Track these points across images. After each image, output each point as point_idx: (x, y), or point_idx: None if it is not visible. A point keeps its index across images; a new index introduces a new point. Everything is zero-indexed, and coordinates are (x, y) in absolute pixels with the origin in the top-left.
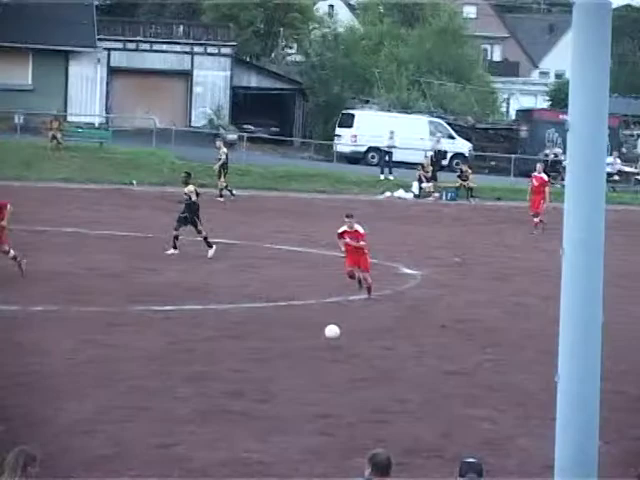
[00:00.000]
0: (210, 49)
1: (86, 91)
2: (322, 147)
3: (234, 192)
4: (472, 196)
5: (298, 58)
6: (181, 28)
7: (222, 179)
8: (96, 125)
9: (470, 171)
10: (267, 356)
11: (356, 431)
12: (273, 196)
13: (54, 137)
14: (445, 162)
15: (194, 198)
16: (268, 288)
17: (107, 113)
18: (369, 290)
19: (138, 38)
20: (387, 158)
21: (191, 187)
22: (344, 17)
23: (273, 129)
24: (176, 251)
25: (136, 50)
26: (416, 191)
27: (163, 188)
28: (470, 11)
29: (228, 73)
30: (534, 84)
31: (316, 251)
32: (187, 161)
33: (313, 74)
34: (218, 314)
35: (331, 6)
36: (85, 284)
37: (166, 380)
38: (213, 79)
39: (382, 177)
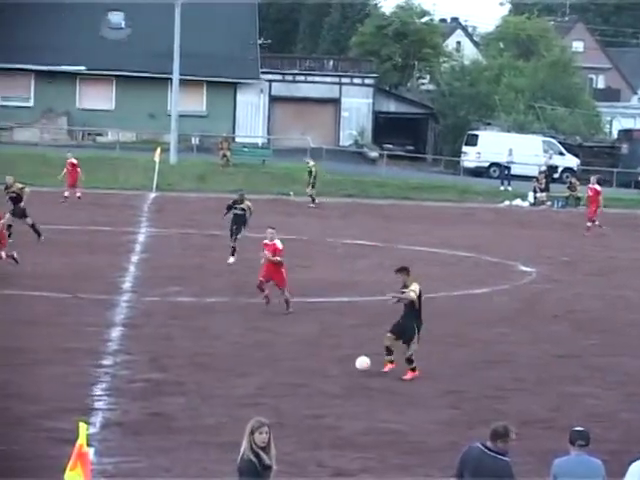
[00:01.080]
0: (355, 80)
1: (251, 116)
2: (451, 162)
3: (316, 201)
4: (579, 204)
5: (430, 87)
6: (331, 62)
7: (309, 188)
8: (259, 145)
9: (578, 183)
10: None
11: (479, 405)
12: (408, 205)
13: (224, 155)
14: (556, 175)
15: (248, 213)
16: None
17: (268, 134)
18: (287, 303)
19: (295, 71)
20: (506, 172)
21: (248, 203)
22: (469, 51)
23: (409, 147)
24: (233, 258)
25: (293, 81)
26: (531, 200)
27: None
28: (578, 45)
29: (370, 100)
30: (634, 108)
31: (445, 251)
32: (335, 175)
33: (443, 100)
34: (361, 305)
35: (458, 42)
36: (250, 280)
37: (318, 361)
38: (358, 105)
39: (502, 188)
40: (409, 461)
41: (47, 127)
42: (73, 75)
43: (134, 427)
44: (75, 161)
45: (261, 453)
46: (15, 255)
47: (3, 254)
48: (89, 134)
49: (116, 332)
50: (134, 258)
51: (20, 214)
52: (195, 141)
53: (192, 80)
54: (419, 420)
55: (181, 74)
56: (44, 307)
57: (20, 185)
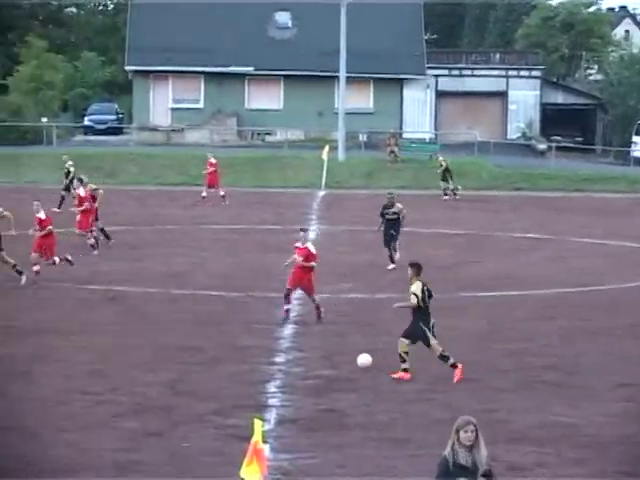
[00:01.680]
0: (522, 72)
1: (418, 112)
2: (620, 153)
3: (454, 193)
4: None
5: (598, 77)
6: (497, 55)
7: (443, 182)
8: (426, 140)
9: None
10: (574, 334)
11: None
12: (578, 197)
13: (392, 151)
14: None
15: (400, 217)
16: (575, 276)
17: (435, 129)
18: (318, 310)
19: (461, 65)
20: None
21: (399, 205)
22: (639, 40)
23: (577, 139)
24: (393, 265)
25: (459, 76)
26: None
27: (484, 192)
28: None
29: (538, 92)
30: None
31: (615, 243)
32: (503, 168)
33: (612, 90)
34: (532, 299)
35: (627, 31)
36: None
37: (488, 355)
38: (525, 98)
39: None
40: (584, 455)
41: (217, 128)
42: (242, 76)
43: (308, 423)
44: (214, 161)
45: (461, 452)
46: (69, 257)
47: (57, 259)
48: (258, 134)
49: (288, 330)
50: None
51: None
52: (362, 138)
53: (359, 77)
54: (592, 413)
55: (348, 72)
56: (217, 306)
57: (94, 186)
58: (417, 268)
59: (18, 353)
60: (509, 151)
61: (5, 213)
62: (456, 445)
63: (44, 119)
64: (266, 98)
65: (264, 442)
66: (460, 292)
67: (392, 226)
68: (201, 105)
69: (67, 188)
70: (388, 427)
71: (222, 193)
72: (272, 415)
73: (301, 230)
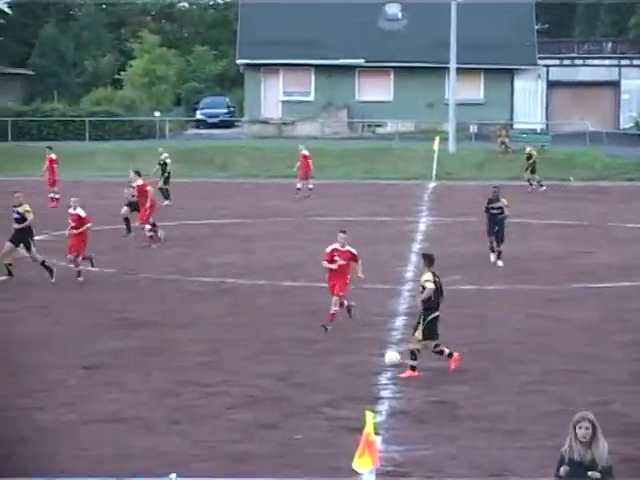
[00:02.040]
0: (635, 61)
1: (528, 102)
2: None
3: (541, 183)
4: None
5: None
6: (609, 44)
7: (528, 173)
8: (537, 131)
9: None
10: None
11: None
12: None
13: (503, 142)
14: None
15: (506, 211)
16: None
17: (547, 120)
18: (343, 307)
19: (573, 55)
20: None
21: (504, 200)
22: None
23: None
24: (495, 257)
25: (571, 65)
26: None
27: (596, 182)
28: None
29: None
30: None
31: None
32: (616, 158)
33: None
34: None
35: None
36: (529, 266)
37: (600, 347)
38: (638, 87)
39: None
40: None
41: (328, 121)
42: (352, 68)
43: (419, 415)
44: (307, 153)
45: (577, 449)
46: (93, 259)
47: (80, 259)
48: (369, 126)
49: (400, 321)
50: (415, 247)
51: (137, 207)
52: (473, 129)
53: (469, 68)
54: None
55: (458, 63)
56: (328, 298)
57: (141, 181)
58: (429, 259)
59: (130, 345)
60: (621, 141)
61: (28, 214)
62: (573, 442)
63: (157, 113)
64: (376, 90)
65: (376, 434)
66: (569, 283)
67: (496, 220)
68: (312, 98)
69: (166, 181)
70: (500, 419)
71: (310, 186)
72: (384, 407)
73: (341, 232)
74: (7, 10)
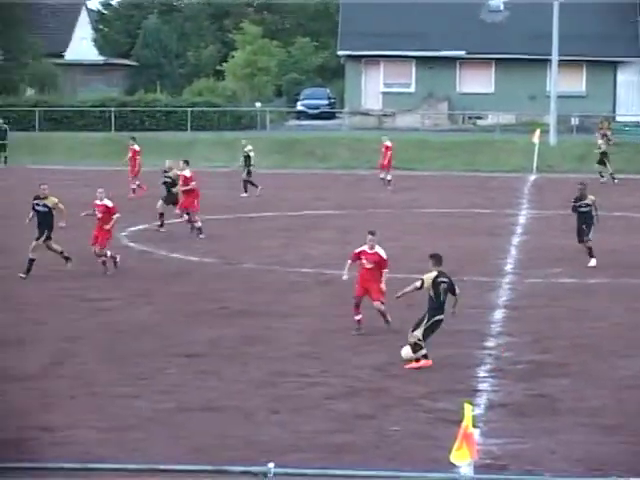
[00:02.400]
0: None
1: (631, 95)
2: None
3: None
4: None
5: None
6: None
7: (600, 166)
8: None
9: None
10: None
11: None
12: None
13: (604, 135)
14: None
15: (593, 209)
16: None
17: None
18: (384, 317)
19: None
20: None
21: (592, 197)
22: None
23: None
24: (595, 261)
25: None
26: None
27: None
28: None
29: None
30: None
31: None
32: None
33: None
34: None
35: None
36: (630, 260)
37: None
38: None
39: None
40: None
41: (428, 112)
42: (453, 60)
43: (518, 408)
44: (389, 144)
45: None
46: (117, 259)
47: (108, 253)
48: (469, 118)
49: (499, 314)
50: (515, 240)
51: (172, 201)
52: (574, 122)
53: (571, 61)
54: None
55: (560, 55)
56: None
57: (177, 172)
58: (436, 259)
59: (229, 335)
60: None
61: (60, 205)
62: None
63: (258, 104)
64: (478, 82)
65: (474, 426)
66: None
67: (585, 219)
68: (412, 89)
69: (248, 172)
70: (599, 413)
71: (389, 177)
72: (482, 399)
73: (369, 233)
74: (112, 2)
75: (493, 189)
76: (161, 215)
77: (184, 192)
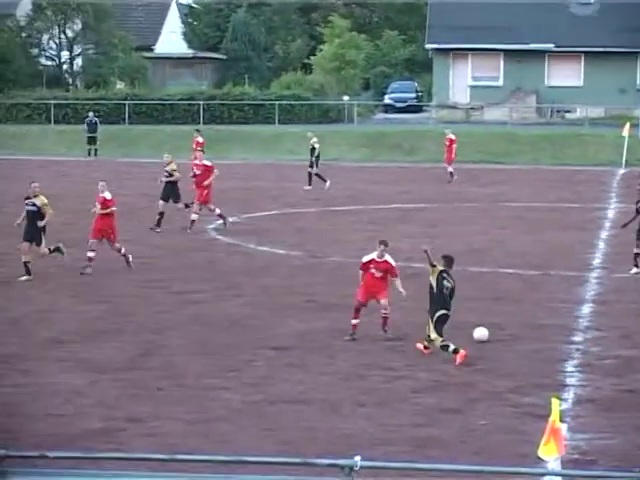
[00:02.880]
0: None
1: None
2: None
3: None
4: None
5: None
6: None
7: None
8: None
9: None
10: None
11: None
12: None
13: None
14: None
15: None
16: None
17: None
18: (385, 321)
19: None
20: None
21: None
22: None
23: None
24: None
25: None
26: None
27: None
28: None
29: None
30: None
31: None
32: None
33: None
34: None
35: None
36: None
37: None
38: None
39: None
40: None
41: (516, 106)
42: (542, 53)
43: (606, 404)
44: (453, 137)
45: None
46: (130, 259)
47: (123, 249)
48: (558, 111)
49: (586, 308)
50: (603, 234)
51: (169, 196)
52: None
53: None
54: None
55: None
56: (516, 284)
57: (174, 166)
58: (447, 261)
59: (317, 328)
60: None
61: (47, 207)
62: None
63: (346, 97)
64: (566, 75)
65: (562, 421)
66: None
67: None
68: (500, 83)
69: (312, 165)
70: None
71: (451, 169)
72: (570, 394)
73: (381, 243)
74: None
75: (581, 183)
76: (161, 214)
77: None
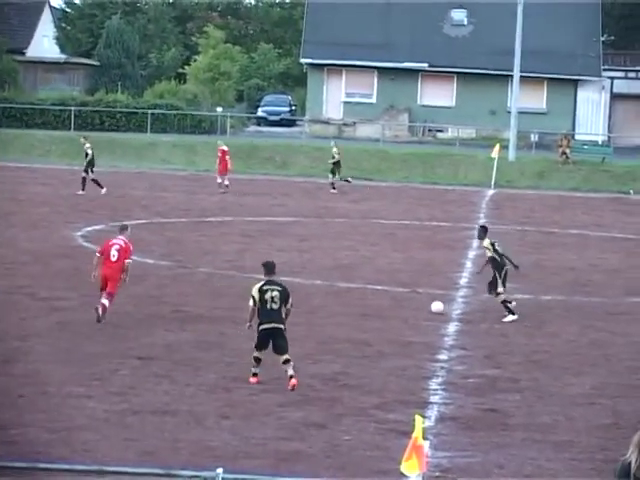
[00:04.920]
0: None
1: (591, 113)
2: None
3: None
4: None
5: None
6: None
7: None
8: (599, 142)
9: None
10: None
11: None
12: None
13: (563, 153)
14: None
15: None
16: None
17: (609, 132)
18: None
19: (638, 68)
20: None
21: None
22: None
23: None
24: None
25: (636, 78)
26: None
27: None
28: None
29: None
30: None
31: None
32: None
33: None
34: None
35: None
36: (587, 278)
37: None
38: None
39: None
40: None
41: (389, 123)
42: (415, 72)
43: (469, 422)
44: (226, 148)
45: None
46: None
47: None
48: (429, 130)
49: (452, 327)
50: (471, 254)
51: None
52: (534, 138)
53: (532, 77)
54: None
55: (522, 71)
56: (384, 301)
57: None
58: (266, 268)
59: (183, 339)
60: None
61: None
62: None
63: (219, 109)
64: (439, 95)
65: (424, 438)
66: (628, 297)
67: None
68: (374, 100)
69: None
70: (550, 429)
71: (227, 183)
72: (433, 412)
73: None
74: (76, 0)
75: (451, 202)
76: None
77: None
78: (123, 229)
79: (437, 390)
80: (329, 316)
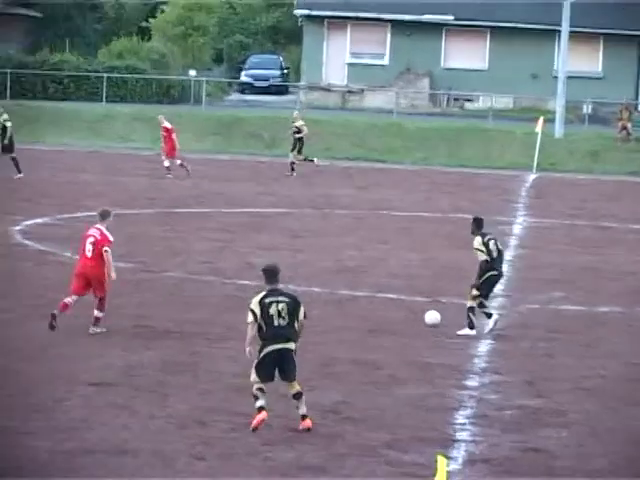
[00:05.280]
0: None
1: None
2: None
3: None
4: None
5: None
6: None
7: None
8: None
9: None
10: None
11: None
12: None
13: (624, 128)
14: None
15: None
16: None
17: None
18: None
19: None
20: None
21: None
22: None
23: None
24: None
25: None
26: None
27: None
28: None
29: None
30: None
31: None
32: None
33: None
34: None
35: None
36: None
37: None
38: None
39: None
40: None
41: (405, 91)
42: (438, 27)
43: (505, 464)
44: (169, 126)
45: None
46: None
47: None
48: (456, 99)
49: (484, 346)
50: (508, 255)
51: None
52: (587, 109)
53: (585, 33)
54: None
55: (572, 25)
56: (398, 313)
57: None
58: (267, 275)
59: (147, 360)
60: None
61: None
62: None
63: (192, 72)
64: (467, 55)
65: None
66: None
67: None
68: (386, 61)
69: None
70: (606, 474)
71: (178, 162)
72: (460, 452)
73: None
74: None
75: (482, 190)
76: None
77: None
78: (104, 216)
79: (465, 425)
80: (329, 331)
